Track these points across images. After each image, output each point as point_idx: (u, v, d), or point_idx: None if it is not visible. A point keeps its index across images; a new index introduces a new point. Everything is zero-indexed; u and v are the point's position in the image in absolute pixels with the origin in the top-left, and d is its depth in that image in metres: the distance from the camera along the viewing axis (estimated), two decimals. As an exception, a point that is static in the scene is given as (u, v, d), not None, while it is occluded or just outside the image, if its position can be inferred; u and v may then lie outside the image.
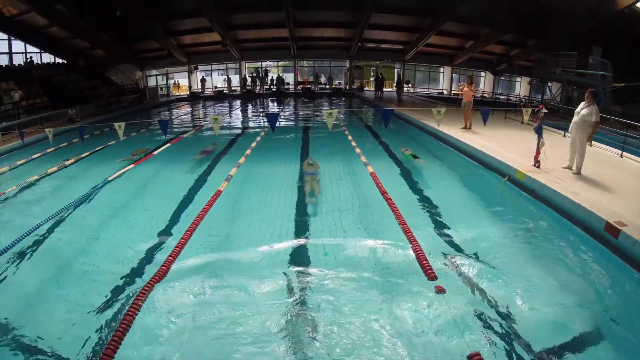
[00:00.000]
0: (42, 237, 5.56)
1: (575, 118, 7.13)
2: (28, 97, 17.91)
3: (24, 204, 7.24)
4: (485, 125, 11.02)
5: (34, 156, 10.52)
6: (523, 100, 26.38)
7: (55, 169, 8.99)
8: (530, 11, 21.71)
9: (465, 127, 11.99)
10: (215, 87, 31.76)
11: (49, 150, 10.92)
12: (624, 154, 9.75)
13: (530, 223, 5.80)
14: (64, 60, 24.90)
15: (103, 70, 26.67)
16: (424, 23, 25.21)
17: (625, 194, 6.25)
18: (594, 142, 10.49)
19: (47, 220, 5.71)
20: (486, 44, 26.32)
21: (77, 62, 23.92)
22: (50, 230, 5.80)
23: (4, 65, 21.18)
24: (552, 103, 21.28)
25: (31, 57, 23.37)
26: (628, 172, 7.89)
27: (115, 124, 8.41)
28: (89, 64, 25.12)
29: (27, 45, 23.21)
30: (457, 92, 27.16)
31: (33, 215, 6.26)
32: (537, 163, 7.28)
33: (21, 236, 4.96)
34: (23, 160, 10.09)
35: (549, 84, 24.01)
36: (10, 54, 22.39)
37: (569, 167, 7.30)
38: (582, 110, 7.04)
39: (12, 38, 22.47)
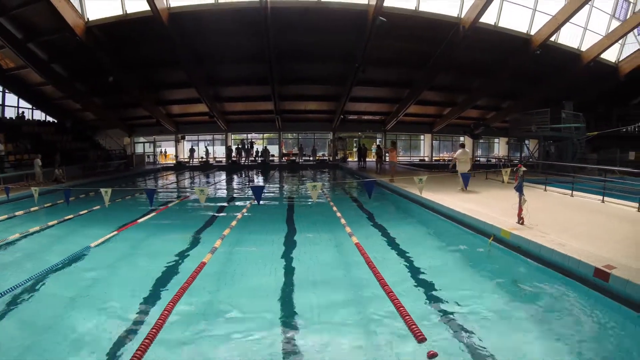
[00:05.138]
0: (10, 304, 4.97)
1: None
2: (16, 152, 17.62)
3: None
4: (466, 189, 11.44)
5: (17, 213, 10.34)
6: (502, 160, 27.36)
7: (37, 228, 8.70)
8: (503, 78, 23.49)
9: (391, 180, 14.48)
10: (202, 158, 32.06)
11: (32, 209, 10.74)
12: (605, 198, 10.22)
13: (519, 279, 5.75)
14: (54, 120, 25.12)
15: (92, 133, 26.85)
16: (403, 93, 26.82)
17: (610, 238, 6.47)
18: (575, 192, 10.97)
19: (19, 285, 5.18)
20: (463, 110, 28.00)
21: (65, 123, 24.03)
22: (22, 296, 5.21)
23: (-5, 117, 21.26)
24: (531, 160, 22.04)
25: (23, 112, 23.58)
26: (611, 216, 8.35)
27: (102, 190, 8.35)
28: (78, 126, 25.33)
29: (20, 100, 23.59)
30: (440, 158, 27.85)
31: (5, 278, 5.85)
32: (520, 220, 7.35)
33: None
34: (5, 216, 9.85)
35: (526, 141, 25.12)
36: (2, 106, 22.55)
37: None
38: None
39: (6, 91, 22.85)
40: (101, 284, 5.78)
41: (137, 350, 3.22)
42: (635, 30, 22.44)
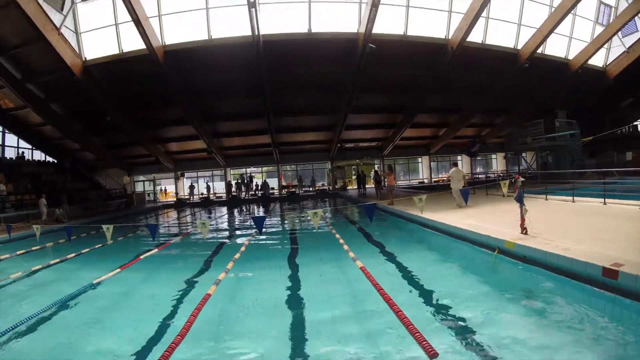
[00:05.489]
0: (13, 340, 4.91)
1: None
2: (16, 192, 17.69)
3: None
4: (467, 204, 11.54)
5: (18, 252, 10.32)
6: (501, 175, 27.40)
7: (39, 267, 8.63)
8: (494, 94, 23.90)
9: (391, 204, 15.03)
10: (202, 194, 32.10)
11: (34, 248, 10.77)
12: (607, 200, 10.37)
13: (528, 288, 5.67)
14: (54, 160, 25.33)
15: (91, 173, 26.98)
16: (397, 118, 27.22)
17: (615, 237, 6.50)
18: (576, 198, 11.05)
19: (21, 323, 5.12)
20: (458, 129, 28.32)
21: (64, 164, 24.21)
22: (24, 334, 5.15)
23: (-5, 157, 21.48)
24: (529, 172, 22.09)
25: (23, 152, 23.78)
26: (614, 217, 8.50)
27: (104, 226, 8.48)
28: (77, 166, 25.48)
29: (20, 140, 23.90)
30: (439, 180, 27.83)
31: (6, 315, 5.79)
32: (524, 230, 7.36)
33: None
34: (7, 255, 9.87)
35: (523, 154, 25.24)
36: (2, 146, 22.78)
37: None
38: None
39: (6, 131, 23.20)
40: (107, 317, 5.68)
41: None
42: (620, 33, 23.10)
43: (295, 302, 5.98)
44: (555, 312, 4.65)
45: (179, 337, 4.00)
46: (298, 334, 4.79)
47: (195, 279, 7.59)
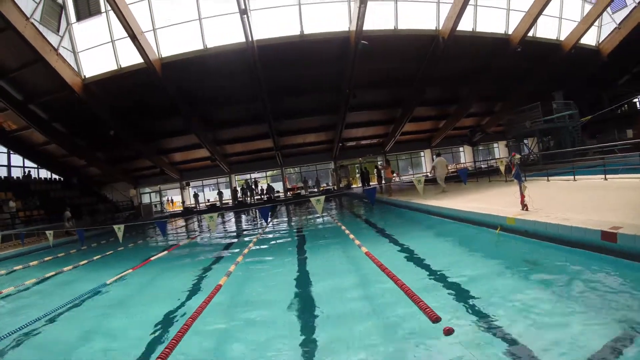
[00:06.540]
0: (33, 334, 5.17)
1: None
2: (25, 209, 18.10)
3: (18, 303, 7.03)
4: (465, 184, 11.80)
5: (31, 263, 10.50)
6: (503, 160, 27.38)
7: (52, 274, 8.81)
8: (490, 81, 23.99)
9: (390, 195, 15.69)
10: (208, 201, 32.45)
11: (47, 259, 10.95)
12: (608, 176, 10.42)
13: (529, 259, 5.77)
14: (60, 177, 25.73)
15: (98, 188, 27.36)
16: (396, 113, 27.37)
17: (614, 207, 6.50)
18: (578, 177, 11.20)
19: (40, 318, 5.35)
20: (457, 120, 28.41)
21: (71, 180, 24.59)
22: (43, 328, 5.42)
23: (2, 177, 22.08)
24: (532, 157, 22.10)
25: (29, 171, 24.26)
26: (614, 190, 8.53)
27: (115, 227, 8.92)
28: (84, 182, 25.87)
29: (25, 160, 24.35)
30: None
31: (25, 313, 6.07)
32: (524, 207, 7.46)
33: (10, 332, 4.65)
34: (20, 267, 10.13)
35: (525, 140, 25.20)
36: (9, 166, 23.22)
37: None
38: None
39: (11, 152, 23.67)
40: (121, 310, 5.95)
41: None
42: (609, 9, 23.06)
43: (304, 280, 6.47)
44: (557, 279, 4.70)
45: (201, 307, 4.35)
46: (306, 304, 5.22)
47: (203, 276, 7.84)
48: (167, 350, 3.55)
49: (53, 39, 17.26)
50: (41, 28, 16.35)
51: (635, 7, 22.69)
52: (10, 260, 12.00)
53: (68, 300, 6.13)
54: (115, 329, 5.30)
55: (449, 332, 3.36)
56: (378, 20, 18.98)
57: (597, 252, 5.13)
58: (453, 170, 27.23)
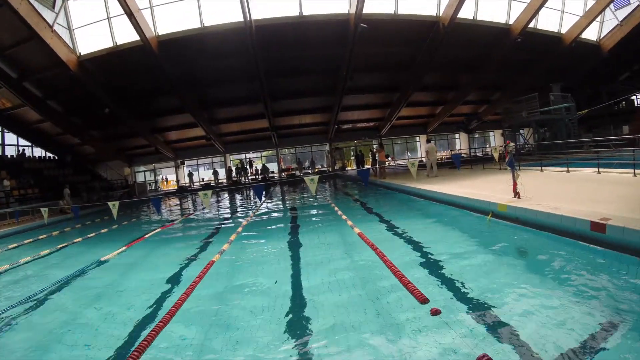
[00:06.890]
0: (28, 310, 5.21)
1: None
2: (19, 187, 18.08)
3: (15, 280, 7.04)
4: (459, 169, 11.90)
5: (25, 241, 10.71)
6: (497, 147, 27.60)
7: (47, 252, 8.93)
8: (489, 70, 23.95)
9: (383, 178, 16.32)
10: (203, 180, 32.50)
11: (41, 237, 11.14)
12: (601, 170, 10.58)
13: (518, 245, 5.90)
14: (54, 155, 25.56)
15: (92, 166, 27.27)
16: (393, 97, 27.27)
17: (605, 199, 6.57)
18: (572, 169, 11.34)
19: (36, 294, 5.52)
20: (454, 107, 28.42)
21: (65, 159, 24.47)
22: (41, 303, 5.45)
23: (-4, 156, 21.74)
24: (527, 147, 22.28)
25: (23, 150, 24.08)
26: (606, 183, 8.66)
27: (110, 203, 8.99)
28: (78, 160, 25.77)
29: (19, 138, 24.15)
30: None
31: (21, 290, 6.16)
32: (516, 194, 7.57)
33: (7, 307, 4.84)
34: (15, 245, 10.28)
35: (521, 130, 25.35)
36: (3, 145, 23.07)
37: None
38: None
39: (5, 130, 23.44)
40: (113, 287, 6.01)
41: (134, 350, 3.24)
42: (612, 6, 22.95)
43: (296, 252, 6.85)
44: (545, 266, 4.80)
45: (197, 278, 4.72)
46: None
47: (198, 252, 7.96)
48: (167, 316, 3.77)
49: (48, 15, 16.86)
50: (36, 5, 15.95)
51: (638, 5, 22.54)
52: (6, 238, 12.11)
53: (62, 277, 6.32)
54: (109, 303, 5.32)
55: (435, 312, 3.58)
56: (378, 3, 18.73)
57: (585, 242, 5.22)
58: (447, 156, 27.52)
